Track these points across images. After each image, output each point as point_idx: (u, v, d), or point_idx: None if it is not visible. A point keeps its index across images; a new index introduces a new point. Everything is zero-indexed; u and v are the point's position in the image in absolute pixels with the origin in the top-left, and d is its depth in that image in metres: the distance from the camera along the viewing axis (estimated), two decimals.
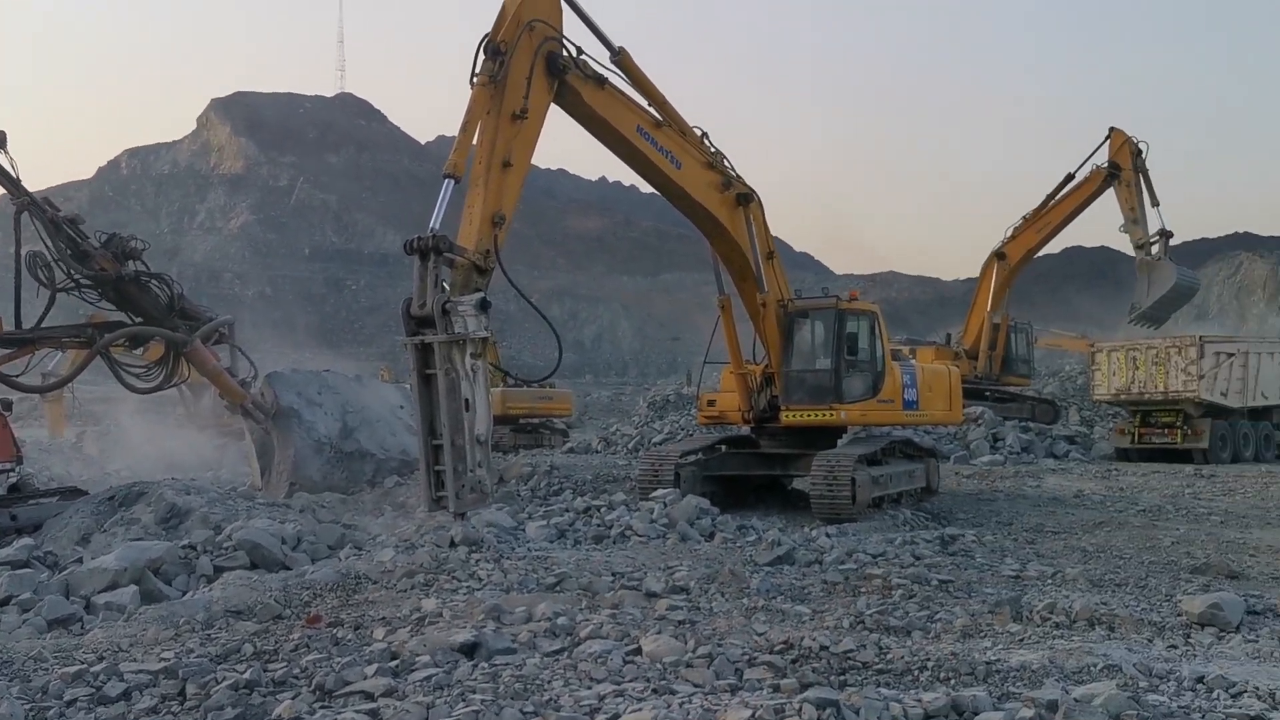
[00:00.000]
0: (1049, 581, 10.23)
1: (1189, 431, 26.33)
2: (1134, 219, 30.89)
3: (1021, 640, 7.69)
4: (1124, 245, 31.80)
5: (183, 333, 15.93)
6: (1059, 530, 14.22)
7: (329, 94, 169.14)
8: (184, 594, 9.67)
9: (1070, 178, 31.29)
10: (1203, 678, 6.52)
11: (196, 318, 16.36)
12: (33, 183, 15.49)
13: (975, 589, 9.67)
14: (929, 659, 6.85)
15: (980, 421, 27.95)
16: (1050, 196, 31.55)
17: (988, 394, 31.52)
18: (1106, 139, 31.24)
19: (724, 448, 16.81)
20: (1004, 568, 10.93)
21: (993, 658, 6.96)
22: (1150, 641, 7.74)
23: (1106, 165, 30.92)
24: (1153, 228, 31.08)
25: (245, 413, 17.04)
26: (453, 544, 11.12)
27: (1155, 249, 30.98)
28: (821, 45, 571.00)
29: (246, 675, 6.44)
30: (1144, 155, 31.00)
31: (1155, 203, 31.08)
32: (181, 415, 33.54)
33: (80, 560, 10.79)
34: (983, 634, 7.89)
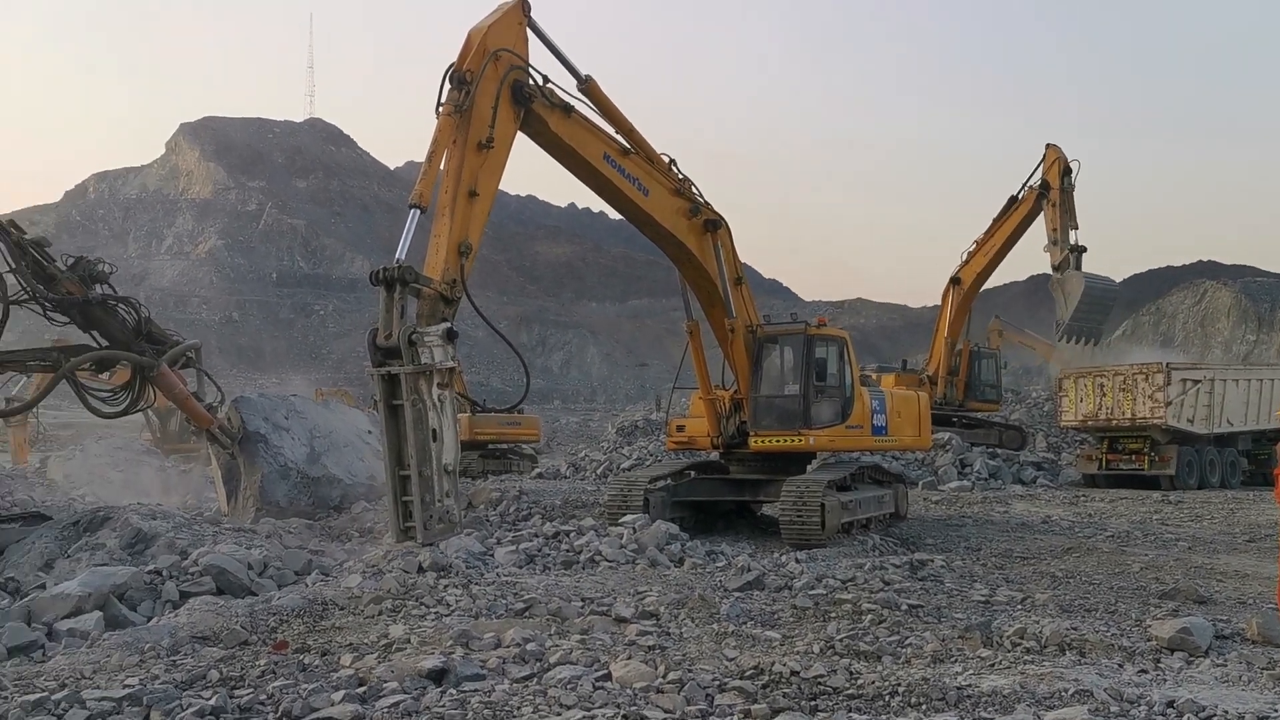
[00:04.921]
0: (1019, 607, 10.26)
1: (1156, 458, 26.61)
2: (1054, 239, 30.87)
3: (992, 665, 7.70)
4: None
5: (149, 357, 15.78)
6: (1028, 556, 14.29)
7: (298, 119, 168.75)
8: (149, 620, 9.51)
9: (1014, 199, 31.50)
10: (1173, 702, 6.55)
11: (163, 342, 16.21)
12: None
13: (945, 614, 9.68)
14: (900, 684, 6.85)
15: (948, 447, 28.12)
16: (997, 220, 31.80)
17: (955, 420, 31.70)
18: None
19: (693, 473, 16.79)
20: (973, 593, 10.95)
21: (964, 683, 6.97)
22: (1121, 666, 7.77)
23: (1039, 184, 31.04)
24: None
25: (211, 437, 16.87)
26: (421, 569, 11.02)
27: (1070, 266, 30.94)
28: (800, 84, 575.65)
29: (212, 702, 6.34)
30: (1074, 174, 30.95)
31: (1075, 225, 30.93)
32: (147, 440, 33.30)
33: (43, 586, 10.61)
34: (953, 659, 7.89)
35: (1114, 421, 27.08)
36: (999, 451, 29.81)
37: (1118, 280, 31.60)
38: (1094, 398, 27.49)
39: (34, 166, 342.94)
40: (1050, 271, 32.04)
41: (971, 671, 7.44)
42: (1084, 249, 31.10)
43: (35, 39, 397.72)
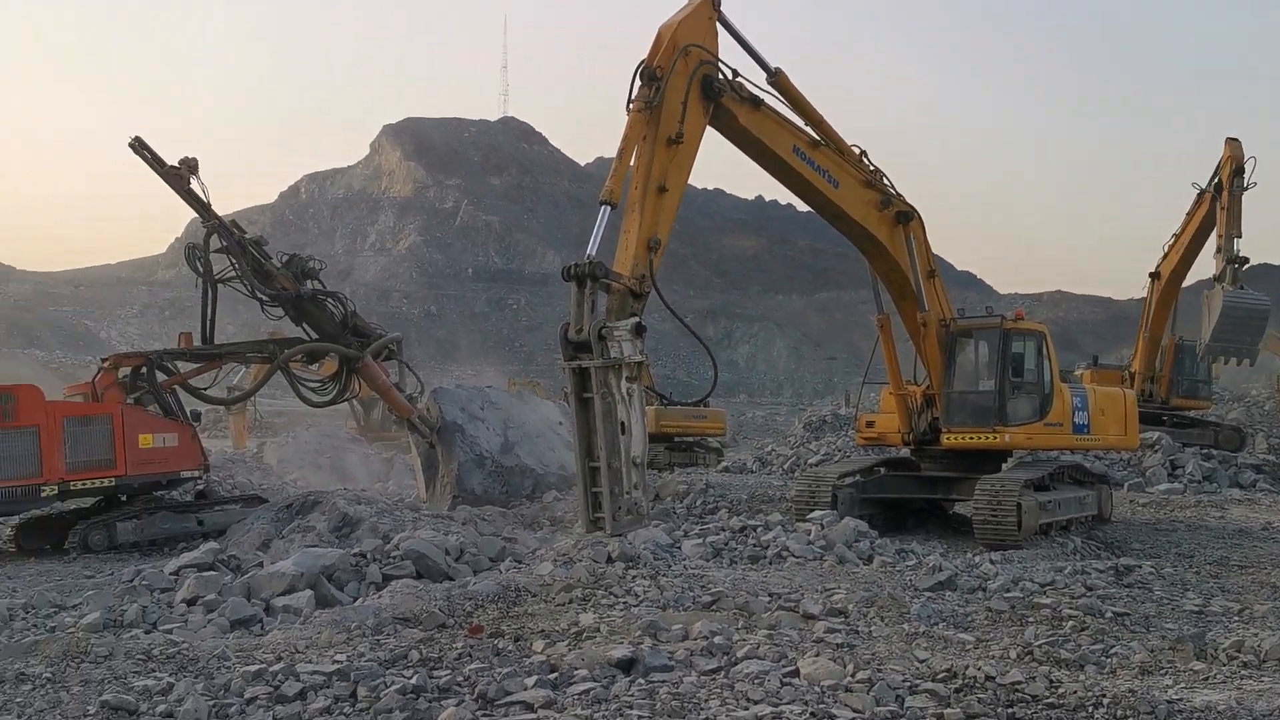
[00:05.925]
0: (1235, 618, 9.65)
1: None
2: (1219, 247, 27.83)
3: (1206, 679, 7.26)
4: None
5: (355, 349, 16.59)
6: (1246, 564, 13.42)
7: (493, 118, 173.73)
8: (355, 600, 10.04)
9: (1202, 193, 29.15)
10: None
11: (368, 335, 17.03)
12: (221, 206, 16.44)
13: (1154, 623, 9.20)
14: (1105, 695, 6.53)
15: (1157, 448, 26.61)
16: (1188, 214, 29.62)
17: (1165, 419, 29.99)
18: None
19: (883, 470, 16.49)
20: (1185, 602, 10.36)
21: (1175, 697, 6.60)
22: None
23: (1215, 184, 28.32)
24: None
25: (412, 427, 17.60)
26: (610, 559, 11.21)
27: (1225, 280, 27.82)
28: (987, 73, 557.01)
29: (414, 681, 6.63)
30: (1247, 174, 27.26)
31: (1238, 233, 27.20)
32: (351, 429, 35.05)
33: (261, 564, 11.34)
34: (1163, 671, 7.49)
35: None
36: (1214, 453, 27.98)
37: None
38: None
39: (253, 169, 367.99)
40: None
41: (1183, 685, 7.05)
42: (1245, 260, 27.90)
43: (252, 51, 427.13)
